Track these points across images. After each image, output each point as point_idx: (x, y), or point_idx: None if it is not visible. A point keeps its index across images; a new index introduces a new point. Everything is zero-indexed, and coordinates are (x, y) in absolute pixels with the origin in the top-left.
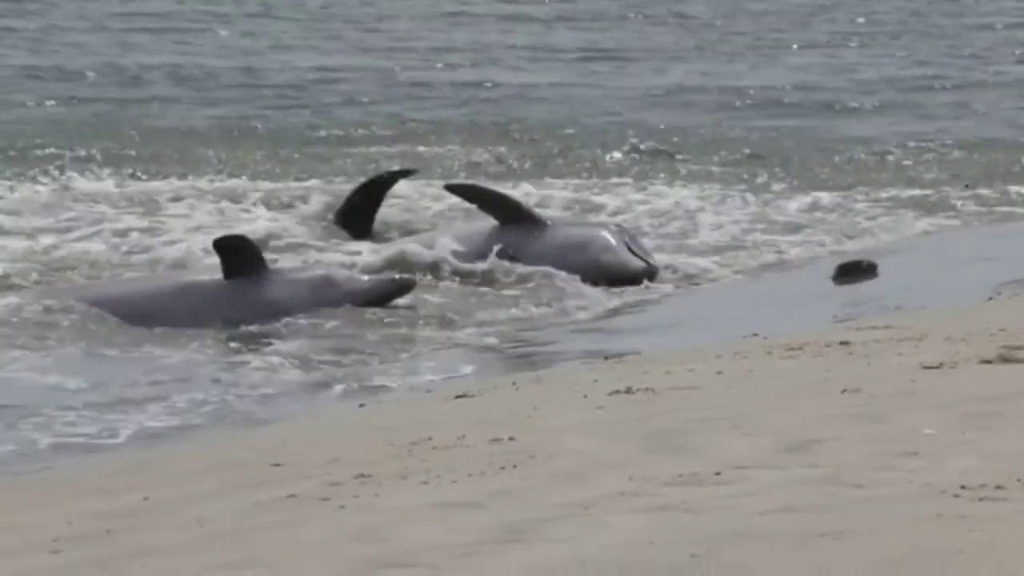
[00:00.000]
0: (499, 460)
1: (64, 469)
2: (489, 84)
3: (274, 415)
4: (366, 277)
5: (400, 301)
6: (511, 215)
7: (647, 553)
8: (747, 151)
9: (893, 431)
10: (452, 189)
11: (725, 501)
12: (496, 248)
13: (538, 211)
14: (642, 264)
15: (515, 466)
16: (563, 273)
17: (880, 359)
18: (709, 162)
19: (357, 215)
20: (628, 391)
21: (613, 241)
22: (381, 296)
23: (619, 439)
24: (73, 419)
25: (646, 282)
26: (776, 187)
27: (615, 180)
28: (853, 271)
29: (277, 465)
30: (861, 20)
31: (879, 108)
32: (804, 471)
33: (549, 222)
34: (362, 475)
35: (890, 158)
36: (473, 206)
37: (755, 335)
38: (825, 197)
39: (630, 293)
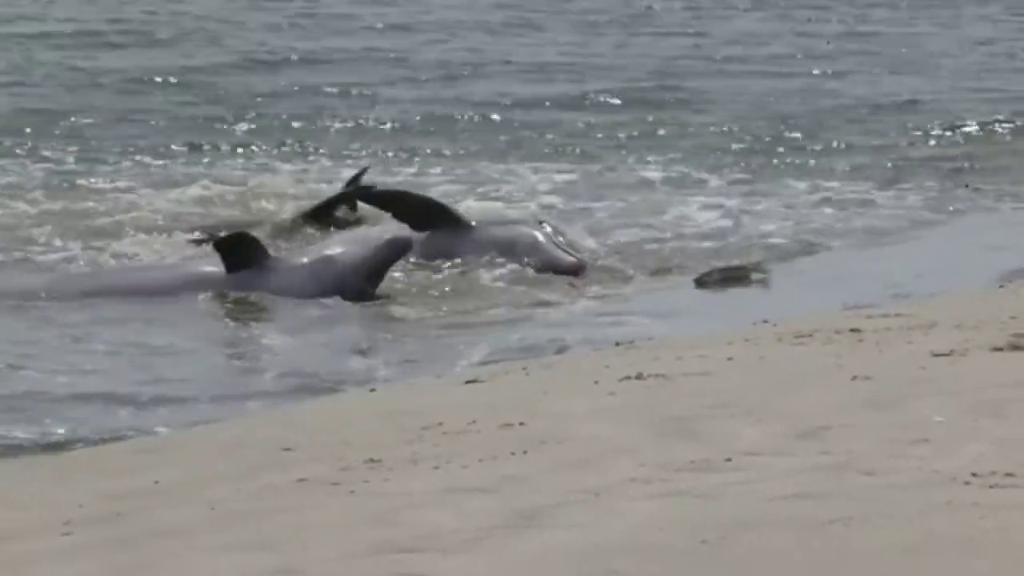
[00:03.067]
0: (510, 445)
1: (76, 452)
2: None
3: (284, 399)
4: (362, 249)
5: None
6: (434, 219)
7: (658, 539)
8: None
9: (904, 418)
10: (365, 198)
11: (736, 487)
12: (421, 252)
13: (460, 213)
14: (571, 259)
15: (526, 451)
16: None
17: (890, 346)
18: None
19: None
20: (639, 377)
21: (540, 238)
22: (383, 262)
23: (630, 425)
24: (84, 403)
25: (571, 278)
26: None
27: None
28: (733, 278)
29: (287, 449)
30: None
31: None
32: (815, 458)
33: (473, 223)
34: (372, 460)
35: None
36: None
37: (765, 322)
38: (835, 184)
39: (641, 281)
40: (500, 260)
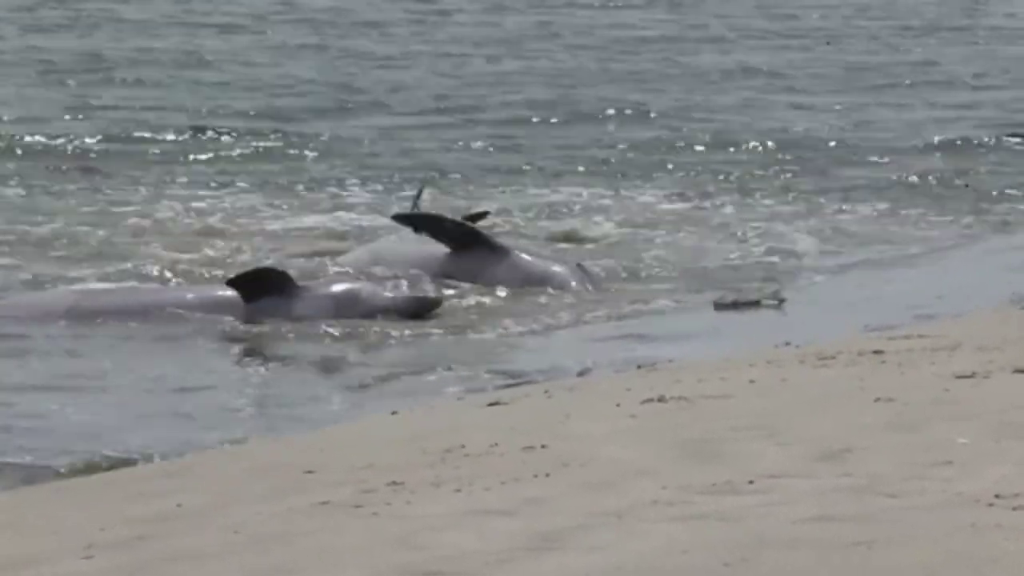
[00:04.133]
0: (532, 468)
1: (97, 476)
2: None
3: (307, 423)
4: (391, 293)
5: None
6: (467, 241)
7: (680, 561)
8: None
9: (927, 440)
10: (400, 219)
11: (758, 510)
12: (450, 271)
13: (495, 239)
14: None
15: (548, 474)
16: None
17: (913, 368)
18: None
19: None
20: (661, 399)
21: (572, 282)
22: (406, 312)
23: (652, 447)
24: (106, 426)
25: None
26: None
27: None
28: (745, 304)
29: (310, 472)
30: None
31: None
32: (837, 480)
33: (508, 248)
34: (395, 482)
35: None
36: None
37: (787, 344)
38: (861, 207)
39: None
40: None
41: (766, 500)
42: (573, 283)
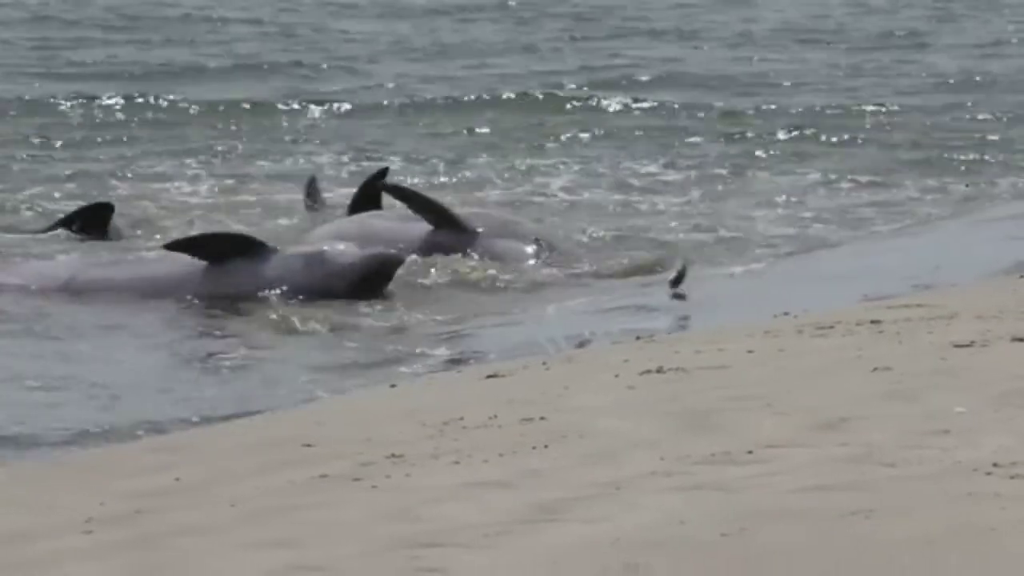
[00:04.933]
0: (530, 440)
1: (97, 451)
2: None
3: (305, 396)
4: (354, 253)
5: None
6: (441, 221)
7: (678, 532)
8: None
9: (925, 409)
10: (388, 190)
11: (757, 480)
12: (426, 251)
13: (466, 219)
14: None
15: (546, 446)
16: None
17: (911, 337)
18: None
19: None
20: (659, 370)
21: (528, 252)
22: (370, 270)
23: (650, 418)
24: (102, 401)
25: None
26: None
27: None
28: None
29: (309, 445)
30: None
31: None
32: (836, 450)
33: (479, 230)
34: (394, 455)
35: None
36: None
37: (785, 314)
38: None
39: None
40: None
41: (764, 470)
42: (529, 253)
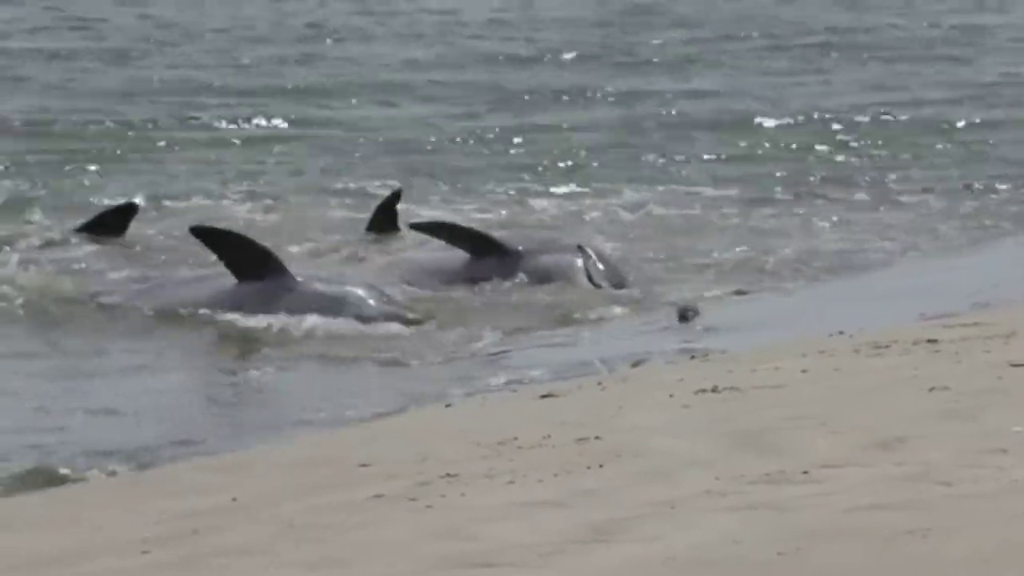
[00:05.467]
0: (585, 459)
1: (152, 471)
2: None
3: (360, 415)
4: (376, 304)
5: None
6: (479, 246)
7: (734, 552)
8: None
9: (981, 428)
10: (419, 227)
11: (812, 499)
12: (469, 277)
13: (506, 240)
14: (595, 289)
15: (601, 465)
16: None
17: (968, 356)
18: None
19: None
20: (714, 390)
21: (578, 264)
22: (386, 321)
23: (705, 438)
24: (161, 420)
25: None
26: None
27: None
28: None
29: (364, 465)
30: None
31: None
32: (891, 469)
33: (519, 248)
34: (449, 475)
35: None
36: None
37: (841, 333)
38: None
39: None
40: (541, 285)
41: (820, 490)
42: (578, 267)
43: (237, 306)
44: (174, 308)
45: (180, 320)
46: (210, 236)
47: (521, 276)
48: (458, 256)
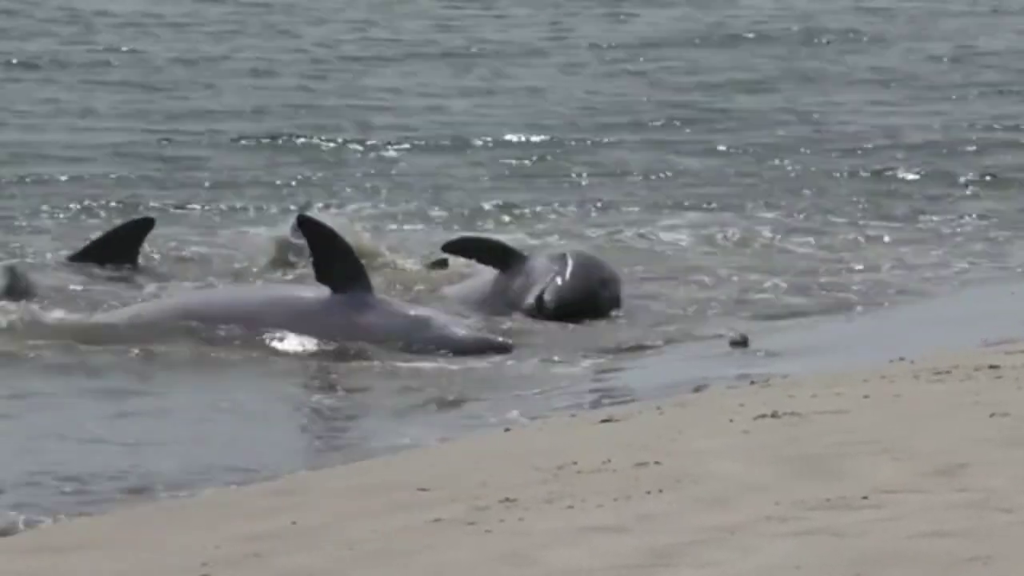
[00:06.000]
0: (644, 484)
1: (213, 493)
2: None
3: (418, 440)
4: (463, 330)
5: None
6: (510, 261)
7: None
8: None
9: None
10: (449, 248)
11: (873, 525)
12: (502, 294)
13: (524, 251)
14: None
15: (661, 490)
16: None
17: None
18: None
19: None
20: (774, 415)
21: (606, 274)
22: (474, 352)
23: (765, 463)
24: (218, 443)
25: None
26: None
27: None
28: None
29: (423, 489)
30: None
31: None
32: (953, 495)
33: (545, 259)
34: (508, 499)
35: None
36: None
37: (902, 359)
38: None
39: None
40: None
41: (880, 515)
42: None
43: (319, 320)
44: (239, 325)
45: (247, 339)
46: (315, 231)
47: (554, 280)
48: (490, 275)
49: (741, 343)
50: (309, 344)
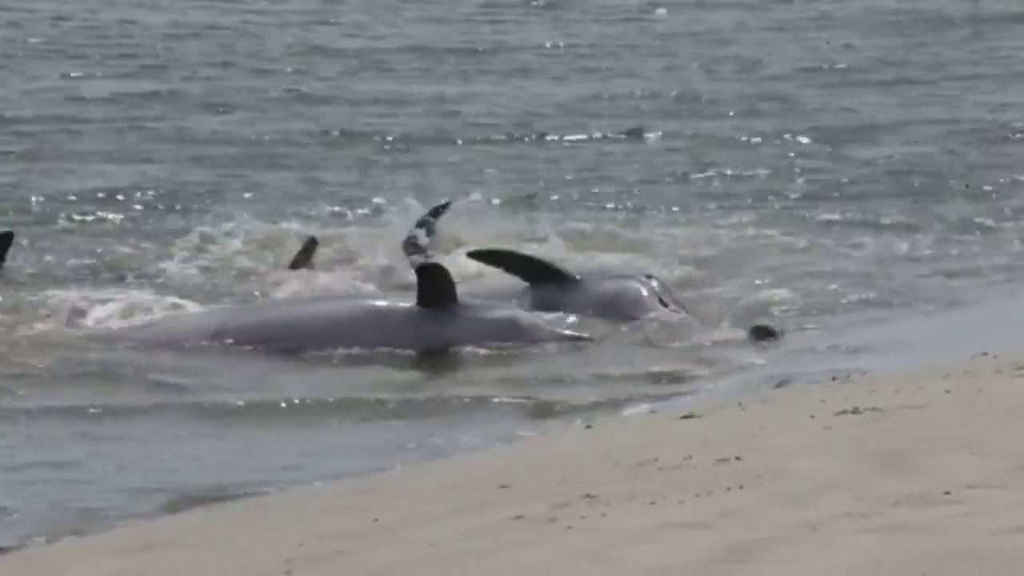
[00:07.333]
0: (726, 480)
1: (296, 492)
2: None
3: (500, 437)
4: (547, 327)
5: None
6: (540, 275)
7: (876, 574)
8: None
9: None
10: (476, 256)
11: (956, 521)
12: (531, 306)
13: (565, 267)
14: (677, 315)
15: (742, 486)
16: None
17: None
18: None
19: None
20: (855, 411)
21: (644, 293)
22: (557, 348)
23: (846, 459)
24: (300, 444)
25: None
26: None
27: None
28: (762, 334)
29: (505, 487)
30: None
31: None
32: None
33: (578, 277)
34: (589, 496)
35: None
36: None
37: (984, 354)
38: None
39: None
40: (605, 315)
41: (963, 511)
42: (645, 295)
43: (409, 331)
44: (328, 336)
45: (335, 348)
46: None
47: (585, 304)
48: (517, 285)
49: (769, 335)
50: (395, 351)
